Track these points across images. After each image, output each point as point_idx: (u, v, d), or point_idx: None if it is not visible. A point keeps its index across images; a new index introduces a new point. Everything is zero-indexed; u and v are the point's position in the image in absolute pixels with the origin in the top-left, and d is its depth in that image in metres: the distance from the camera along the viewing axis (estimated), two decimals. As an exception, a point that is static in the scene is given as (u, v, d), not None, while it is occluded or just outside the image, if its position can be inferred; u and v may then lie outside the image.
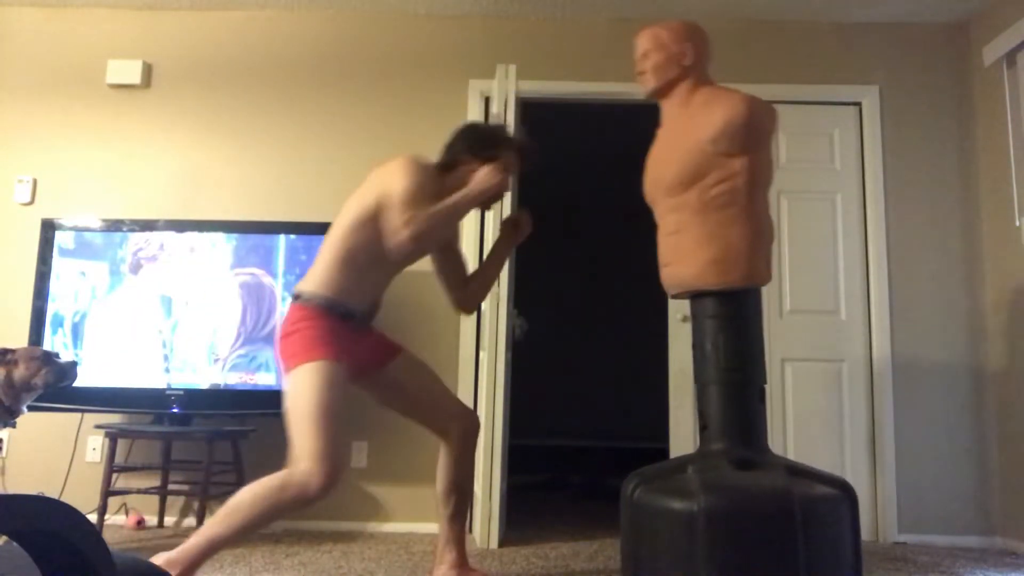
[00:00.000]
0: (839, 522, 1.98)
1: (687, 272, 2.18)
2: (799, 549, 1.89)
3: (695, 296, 2.23)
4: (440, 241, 2.29)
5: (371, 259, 2.13)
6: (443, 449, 2.33)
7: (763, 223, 2.17)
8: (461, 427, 2.31)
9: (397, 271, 2.25)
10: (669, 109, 2.33)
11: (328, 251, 2.14)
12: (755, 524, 1.91)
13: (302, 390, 2.01)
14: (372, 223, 2.10)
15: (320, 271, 2.12)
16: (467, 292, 2.37)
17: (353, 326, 2.14)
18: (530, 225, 2.48)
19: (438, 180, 2.17)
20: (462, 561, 2.31)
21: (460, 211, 2.13)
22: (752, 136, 2.13)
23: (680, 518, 1.94)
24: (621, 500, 2.12)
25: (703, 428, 2.19)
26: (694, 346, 2.24)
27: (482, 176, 2.15)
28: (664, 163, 2.27)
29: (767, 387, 2.24)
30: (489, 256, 2.42)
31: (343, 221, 2.15)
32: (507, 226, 2.43)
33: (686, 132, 2.21)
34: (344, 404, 2.04)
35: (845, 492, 2.01)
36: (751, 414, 2.13)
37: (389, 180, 2.09)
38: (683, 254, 2.19)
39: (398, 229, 2.01)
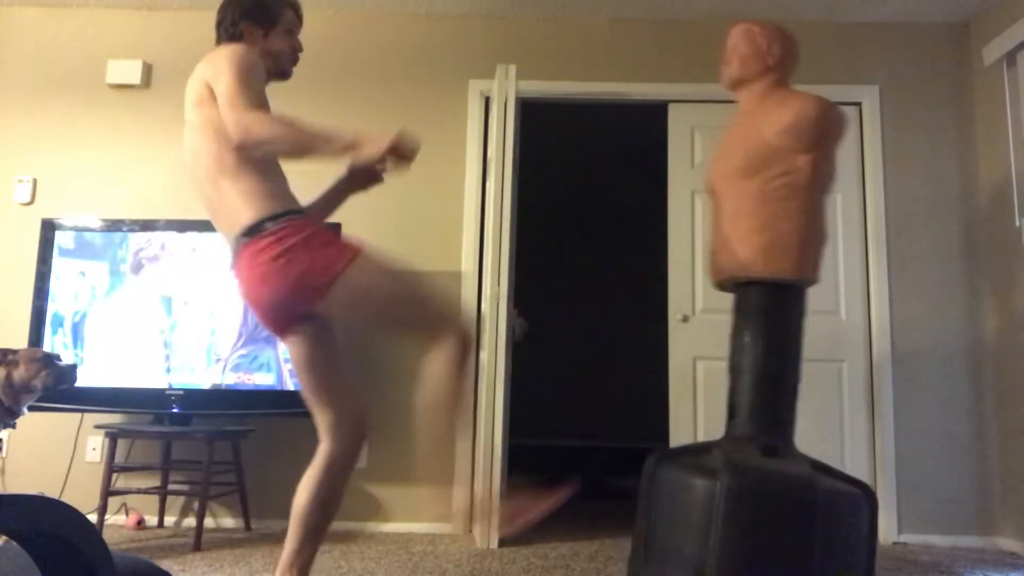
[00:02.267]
0: (857, 522, 1.98)
1: (738, 258, 2.20)
2: (816, 539, 1.88)
3: (741, 285, 2.23)
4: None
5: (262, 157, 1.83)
6: (321, 451, 1.87)
7: (818, 223, 2.19)
8: (349, 432, 1.87)
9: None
10: (745, 102, 2.37)
11: (225, 172, 1.80)
12: (776, 509, 1.90)
13: (379, 277, 1.73)
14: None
15: (247, 193, 1.79)
16: None
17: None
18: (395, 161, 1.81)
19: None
20: None
21: (312, 150, 1.72)
22: (820, 135, 2.17)
23: (701, 494, 1.94)
24: (643, 474, 2.13)
25: (731, 417, 2.18)
26: (733, 335, 2.24)
27: (371, 145, 1.69)
28: (732, 150, 2.30)
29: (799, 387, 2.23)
30: (329, 192, 2.14)
31: (206, 137, 1.83)
32: (361, 174, 2.10)
33: (758, 124, 2.25)
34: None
35: (866, 494, 2.01)
36: (781, 408, 2.13)
37: (215, 76, 1.80)
38: (736, 240, 2.21)
39: (228, 124, 1.73)
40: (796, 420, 2.17)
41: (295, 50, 2.03)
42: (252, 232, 1.77)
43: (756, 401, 2.14)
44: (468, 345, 1.77)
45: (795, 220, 2.15)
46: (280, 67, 2.01)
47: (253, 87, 1.79)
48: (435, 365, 1.76)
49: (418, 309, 1.77)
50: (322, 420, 1.87)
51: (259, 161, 1.82)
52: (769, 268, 2.15)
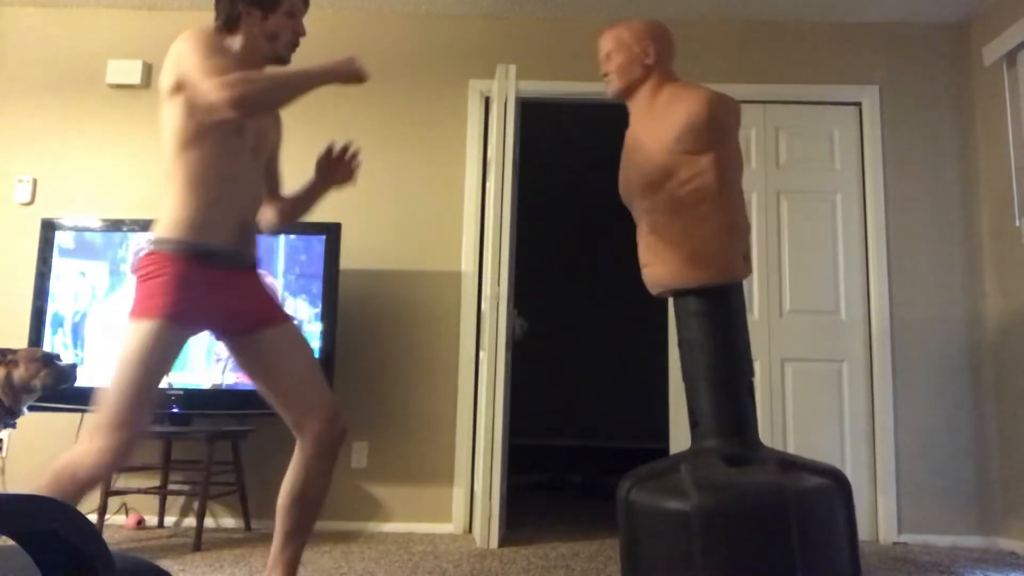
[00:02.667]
0: (833, 513, 1.98)
1: (663, 272, 2.20)
2: (794, 543, 1.89)
3: (676, 295, 2.23)
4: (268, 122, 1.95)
5: (216, 171, 1.79)
6: (296, 449, 1.87)
7: (736, 217, 2.17)
8: (317, 427, 1.84)
9: (254, 175, 1.90)
10: (635, 110, 2.32)
11: (169, 182, 1.80)
12: (749, 521, 1.91)
13: (125, 348, 1.70)
14: (191, 123, 1.77)
15: (168, 209, 1.78)
16: (273, 209, 2.07)
17: (222, 267, 1.80)
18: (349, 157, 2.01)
19: (230, 52, 1.85)
20: None
21: (298, 85, 1.73)
22: (715, 132, 2.13)
23: (674, 518, 1.94)
24: (617, 501, 2.12)
25: (694, 425, 2.19)
26: (679, 344, 2.24)
27: (344, 61, 1.77)
28: (634, 165, 2.27)
29: (755, 380, 2.25)
30: (306, 188, 2.07)
31: (165, 141, 1.82)
32: (327, 163, 2.04)
33: (652, 133, 2.22)
34: (165, 367, 1.73)
35: (838, 482, 2.01)
36: (740, 409, 2.13)
37: (178, 62, 1.76)
38: (659, 254, 2.21)
39: (208, 93, 1.66)
40: (756, 417, 2.17)
41: (296, 34, 1.95)
42: (147, 244, 1.78)
43: (713, 407, 2.13)
44: (102, 463, 1.66)
45: (711, 223, 2.13)
46: (277, 51, 1.93)
47: (218, 58, 1.72)
48: (61, 469, 1.66)
49: (108, 399, 1.68)
50: (286, 420, 1.90)
51: (193, 179, 1.78)
52: (697, 277, 2.14)
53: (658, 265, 2.21)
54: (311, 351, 1.91)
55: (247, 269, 1.88)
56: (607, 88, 2.35)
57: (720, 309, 2.16)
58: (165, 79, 1.79)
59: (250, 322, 1.84)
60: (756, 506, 1.92)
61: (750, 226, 2.24)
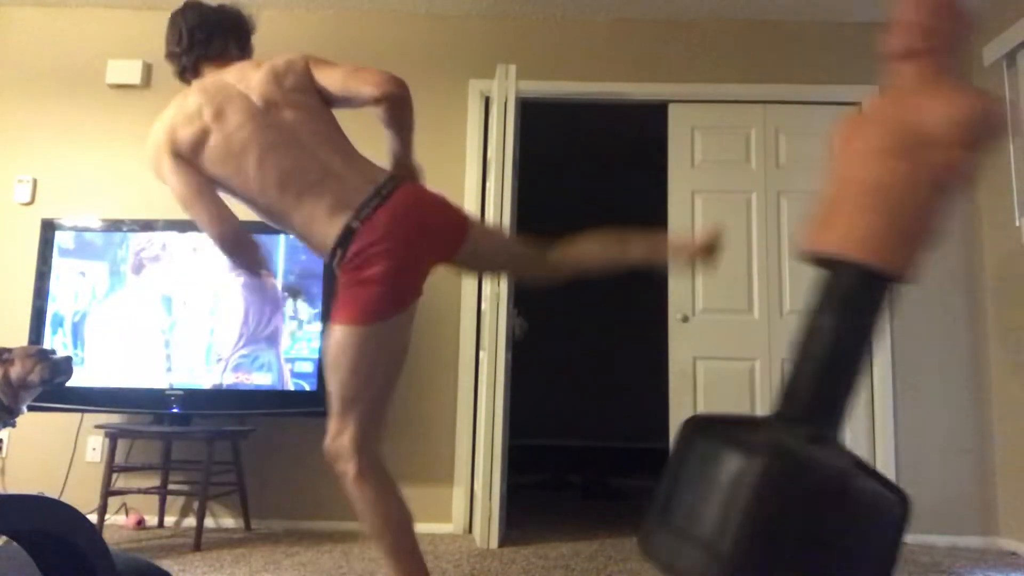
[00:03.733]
0: (884, 527, 1.94)
1: (839, 236, 2.08)
2: (838, 537, 1.85)
3: (834, 264, 2.11)
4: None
5: (249, 194, 1.88)
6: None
7: (940, 224, 2.11)
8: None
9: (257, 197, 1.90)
10: (907, 78, 2.20)
11: (341, 153, 1.96)
12: (806, 499, 1.86)
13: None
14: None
15: (369, 164, 1.98)
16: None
17: (340, 258, 1.82)
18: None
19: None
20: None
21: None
22: (986, 136, 2.07)
23: (734, 469, 1.89)
24: (676, 437, 2.06)
25: (786, 398, 2.11)
26: (810, 315, 2.12)
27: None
28: (874, 122, 2.16)
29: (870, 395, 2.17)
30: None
31: (320, 130, 1.96)
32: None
33: (919, 106, 2.11)
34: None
35: (901, 502, 1.97)
36: (839, 400, 2.06)
37: (303, 63, 1.97)
38: (844, 218, 2.09)
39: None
40: (847, 418, 2.12)
41: None
42: (392, 183, 1.90)
43: (816, 388, 2.06)
44: None
45: (931, 217, 2.06)
46: None
47: None
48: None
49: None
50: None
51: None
52: (882, 256, 2.03)
53: (835, 228, 2.10)
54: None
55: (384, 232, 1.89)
56: (889, 44, 2.25)
57: (872, 297, 2.08)
58: (282, 80, 1.92)
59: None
60: (819, 485, 1.87)
61: (936, 239, 2.16)
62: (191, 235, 3.30)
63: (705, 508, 1.93)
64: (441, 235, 1.91)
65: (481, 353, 3.34)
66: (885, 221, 2.04)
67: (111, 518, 3.36)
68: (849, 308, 2.07)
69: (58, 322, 3.24)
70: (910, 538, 3.37)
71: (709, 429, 2.04)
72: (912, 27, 2.18)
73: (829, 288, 2.12)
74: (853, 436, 3.45)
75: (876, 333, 2.09)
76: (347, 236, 1.79)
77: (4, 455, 3.47)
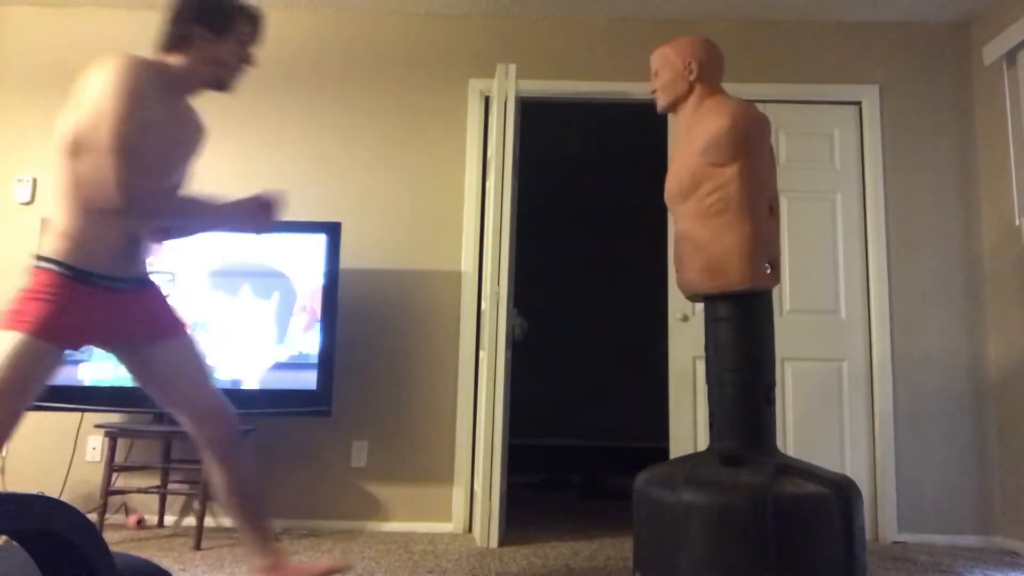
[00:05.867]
0: (824, 523, 1.99)
1: (689, 277, 2.31)
2: (769, 545, 1.94)
3: (705, 299, 2.33)
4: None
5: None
6: (206, 452, 1.96)
7: (759, 228, 2.24)
8: (210, 431, 1.94)
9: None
10: (681, 122, 2.45)
11: (56, 187, 1.77)
12: (724, 518, 1.99)
13: None
14: (83, 149, 1.72)
15: (55, 219, 1.76)
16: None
17: (104, 287, 1.79)
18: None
19: (164, 74, 1.84)
20: (276, 563, 1.99)
21: (200, 219, 1.83)
22: (738, 145, 2.23)
23: (664, 508, 2.08)
24: (634, 489, 2.27)
25: (711, 427, 2.29)
26: (705, 347, 2.34)
27: (252, 207, 1.82)
28: (672, 174, 2.41)
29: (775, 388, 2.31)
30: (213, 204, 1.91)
31: (57, 140, 1.77)
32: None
33: (687, 145, 2.35)
34: (32, 382, 1.68)
35: (838, 492, 2.02)
36: (755, 414, 2.20)
37: (95, 94, 1.71)
38: (686, 260, 2.33)
39: (106, 182, 1.66)
40: (773, 423, 2.24)
41: (241, 62, 1.95)
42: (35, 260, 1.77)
43: (730, 412, 2.22)
44: None
45: (734, 231, 2.22)
46: (219, 77, 1.93)
47: (136, 117, 1.70)
48: None
49: None
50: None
51: (82, 198, 1.75)
52: (717, 283, 2.24)
53: (685, 270, 2.34)
54: (200, 361, 1.96)
55: (136, 292, 1.87)
56: (658, 104, 2.50)
57: (741, 315, 2.24)
58: (79, 107, 1.72)
59: (136, 335, 1.88)
60: (731, 504, 1.99)
61: (776, 239, 2.29)
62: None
63: (661, 548, 2.10)
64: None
65: (481, 353, 3.34)
66: (708, 254, 2.26)
67: (111, 518, 3.36)
68: (725, 331, 2.26)
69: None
70: (909, 537, 3.37)
71: (649, 478, 2.21)
72: (661, 83, 2.45)
73: (706, 319, 2.34)
74: (853, 437, 3.46)
75: (761, 344, 2.25)
76: None
77: (4, 455, 3.47)
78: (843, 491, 2.02)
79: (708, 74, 2.41)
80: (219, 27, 1.89)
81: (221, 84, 1.94)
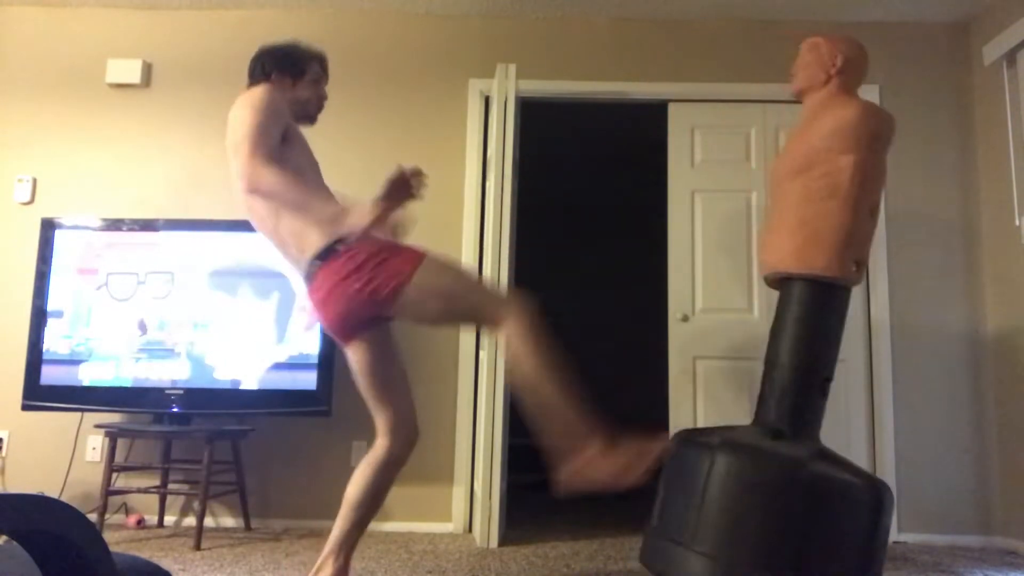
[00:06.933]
0: (853, 512, 1.98)
1: (777, 254, 2.31)
2: (797, 521, 1.93)
3: (784, 280, 2.33)
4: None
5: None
6: (380, 448, 2.05)
7: (858, 223, 2.25)
8: (408, 433, 2.08)
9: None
10: (807, 109, 2.48)
11: (285, 213, 2.04)
12: (760, 487, 1.97)
13: (441, 278, 1.89)
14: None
15: (310, 227, 1.99)
16: None
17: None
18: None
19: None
20: (345, 569, 2.06)
21: (302, 209, 1.91)
22: (861, 136, 2.26)
23: (697, 469, 2.07)
24: (668, 451, 2.28)
25: (758, 406, 2.28)
26: (773, 327, 2.34)
27: (355, 217, 1.86)
28: (786, 152, 2.42)
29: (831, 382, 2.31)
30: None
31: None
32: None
33: (809, 128, 2.37)
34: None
35: (871, 486, 2.00)
36: (805, 402, 2.20)
37: (235, 115, 1.98)
38: (776, 238, 2.33)
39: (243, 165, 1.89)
40: (821, 416, 2.23)
41: (321, 99, 2.24)
42: (325, 255, 1.92)
43: (781, 394, 2.21)
44: (529, 319, 1.89)
45: (833, 219, 2.23)
46: (307, 112, 2.22)
47: (268, 131, 1.93)
48: (511, 349, 1.86)
49: (477, 301, 1.90)
50: (381, 420, 2.06)
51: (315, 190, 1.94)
52: (804, 264, 2.24)
53: (771, 247, 2.34)
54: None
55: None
56: (792, 85, 2.53)
57: (819, 302, 2.24)
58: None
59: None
60: (771, 473, 1.97)
61: (871, 238, 2.30)
62: (190, 234, 3.30)
63: (682, 508, 2.09)
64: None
65: (481, 353, 3.35)
66: (802, 234, 2.27)
67: (111, 518, 3.36)
68: (797, 315, 2.26)
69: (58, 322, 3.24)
70: (909, 537, 3.37)
71: (686, 439, 2.22)
72: (803, 67, 2.49)
73: (781, 300, 2.33)
74: (853, 437, 3.46)
75: (829, 335, 2.25)
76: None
77: (4, 455, 3.47)
78: (876, 488, 2.01)
79: (850, 71, 2.44)
80: (296, 73, 2.19)
81: (308, 118, 2.24)
